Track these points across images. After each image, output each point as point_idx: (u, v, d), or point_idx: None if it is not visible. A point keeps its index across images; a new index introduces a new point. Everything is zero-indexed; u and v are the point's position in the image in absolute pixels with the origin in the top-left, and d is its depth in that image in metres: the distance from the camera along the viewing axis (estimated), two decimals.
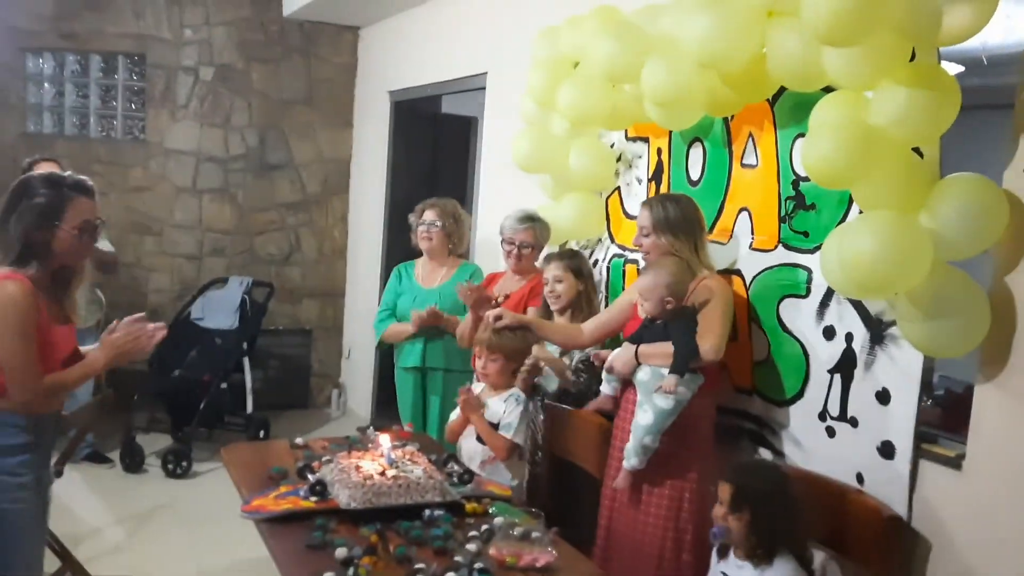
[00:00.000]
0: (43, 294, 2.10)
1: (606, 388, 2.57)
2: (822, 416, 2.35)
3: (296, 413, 5.65)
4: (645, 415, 2.40)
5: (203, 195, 5.61)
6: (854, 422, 2.26)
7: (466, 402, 2.75)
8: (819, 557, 2.28)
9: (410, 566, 1.90)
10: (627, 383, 2.53)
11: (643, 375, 2.42)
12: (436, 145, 5.34)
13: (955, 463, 2.02)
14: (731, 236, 2.70)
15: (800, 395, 2.43)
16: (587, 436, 2.76)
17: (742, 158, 2.67)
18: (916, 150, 2.01)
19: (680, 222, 2.50)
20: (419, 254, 3.72)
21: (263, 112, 5.67)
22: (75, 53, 5.46)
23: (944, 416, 2.21)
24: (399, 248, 4.00)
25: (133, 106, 5.58)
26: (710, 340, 2.34)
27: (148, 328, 2.26)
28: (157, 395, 4.81)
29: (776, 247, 2.52)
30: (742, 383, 2.64)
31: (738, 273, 2.65)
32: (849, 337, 2.28)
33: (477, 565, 1.93)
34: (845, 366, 2.29)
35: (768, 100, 2.51)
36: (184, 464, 4.38)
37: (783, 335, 2.49)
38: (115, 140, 5.54)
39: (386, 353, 4.16)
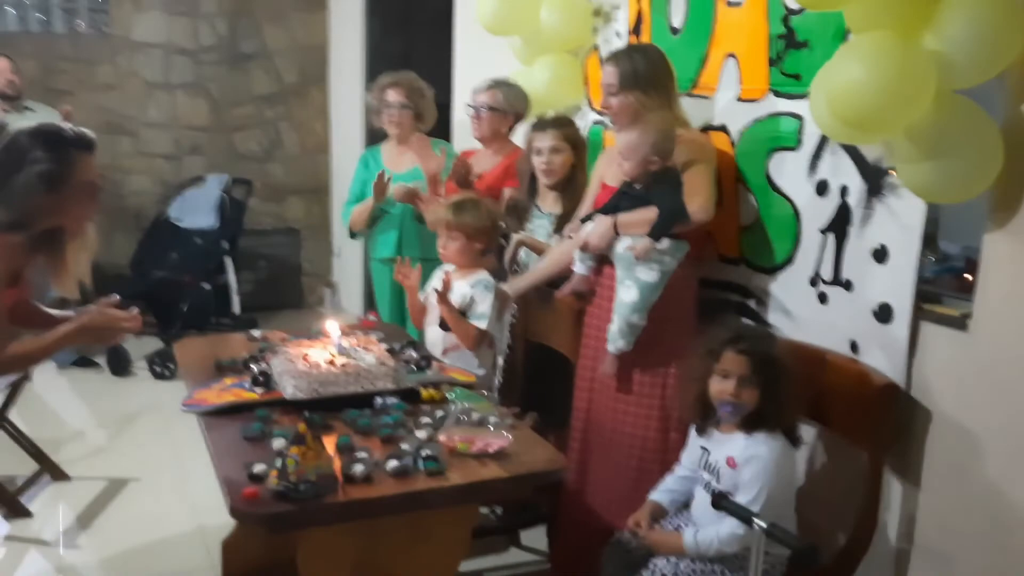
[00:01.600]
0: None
1: (579, 267, 2.33)
2: (813, 281, 2.13)
3: (289, 313, 5.52)
4: (629, 291, 2.19)
5: (176, 91, 5.32)
6: (848, 285, 2.03)
7: (441, 292, 2.54)
8: (810, 432, 2.12)
9: (350, 456, 1.74)
10: (601, 260, 2.31)
11: (622, 248, 2.19)
12: (410, 23, 4.96)
13: (960, 323, 1.80)
14: (717, 88, 2.41)
15: (790, 260, 2.20)
16: (561, 318, 2.57)
17: None
18: None
19: (650, 76, 2.23)
20: (385, 135, 3.45)
21: None
22: None
23: (941, 282, 1.97)
24: (381, 139, 3.76)
25: None
26: (698, 200, 2.10)
27: (123, 316, 2.09)
28: (138, 297, 4.66)
29: (765, 95, 2.24)
30: (728, 251, 2.41)
31: (723, 129, 2.37)
32: (844, 191, 2.02)
33: (424, 452, 1.76)
34: (839, 224, 2.05)
35: None
36: (171, 366, 4.28)
37: (772, 195, 2.24)
38: (80, 35, 5.22)
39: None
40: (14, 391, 3.10)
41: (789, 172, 2.17)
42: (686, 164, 2.17)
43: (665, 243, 2.14)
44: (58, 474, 3.18)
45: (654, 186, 2.17)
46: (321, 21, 5.52)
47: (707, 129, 2.41)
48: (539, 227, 2.75)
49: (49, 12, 5.21)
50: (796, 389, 1.84)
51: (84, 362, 4.43)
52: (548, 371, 2.67)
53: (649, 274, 2.16)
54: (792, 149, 2.15)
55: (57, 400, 4.01)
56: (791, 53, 2.13)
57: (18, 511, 2.89)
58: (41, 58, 5.05)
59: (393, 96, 3.29)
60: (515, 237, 2.71)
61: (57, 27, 5.21)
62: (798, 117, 2.13)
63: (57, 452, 3.29)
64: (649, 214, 2.14)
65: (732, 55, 2.34)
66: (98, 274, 5.36)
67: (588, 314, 2.39)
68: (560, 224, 2.67)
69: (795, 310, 2.19)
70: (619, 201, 2.26)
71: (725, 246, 2.41)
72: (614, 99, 2.28)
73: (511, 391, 2.73)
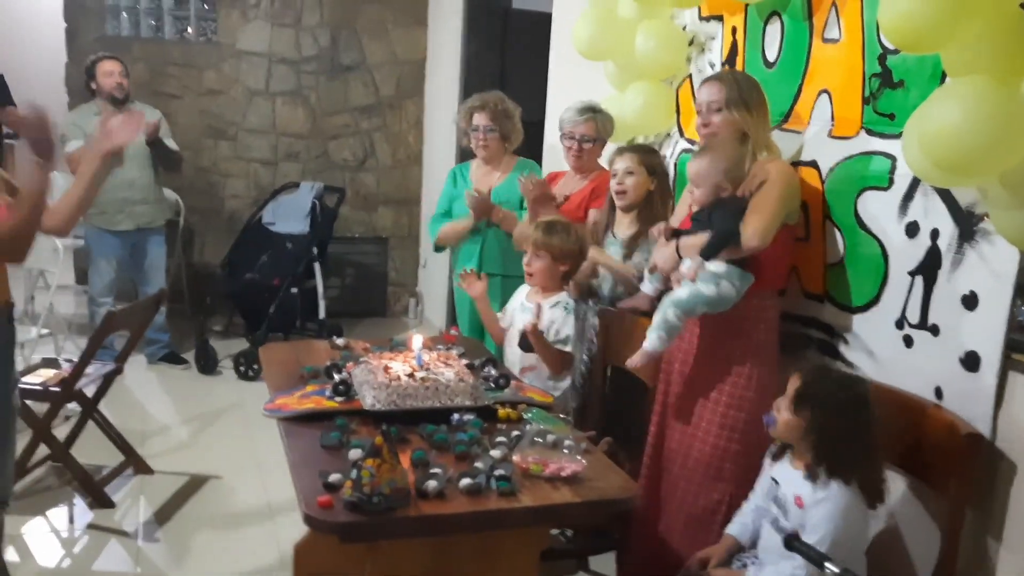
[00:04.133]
0: None
1: (646, 287, 2.35)
2: (899, 324, 2.07)
3: (373, 321, 5.67)
4: (680, 289, 2.18)
5: (276, 98, 5.56)
6: (935, 330, 1.98)
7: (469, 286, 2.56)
8: (891, 478, 2.06)
9: (424, 471, 1.79)
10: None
11: (685, 267, 2.19)
12: (508, 44, 5.05)
13: None
14: (808, 123, 2.38)
15: (876, 300, 2.15)
16: (640, 343, 2.57)
17: (824, 32, 2.32)
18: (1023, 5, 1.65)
19: (756, 97, 2.22)
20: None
21: (335, 10, 5.51)
22: None
23: None
24: (473, 154, 3.86)
25: (206, 6, 5.52)
26: (754, 223, 2.07)
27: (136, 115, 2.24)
28: (228, 298, 4.89)
29: (858, 133, 2.20)
30: (813, 288, 2.37)
31: (813, 165, 2.34)
32: (935, 234, 1.97)
33: (497, 471, 1.80)
34: (928, 267, 1.99)
35: None
36: (255, 367, 4.45)
37: (861, 233, 2.19)
38: (189, 42, 5.52)
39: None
40: (107, 383, 3.24)
41: (879, 212, 2.13)
42: (760, 185, 2.16)
43: (721, 266, 2.13)
44: (142, 467, 3.31)
45: (716, 211, 2.17)
46: (421, 37, 5.67)
47: (797, 164, 2.38)
48: (610, 252, 2.76)
49: (161, 18, 5.52)
50: (868, 443, 1.78)
51: (173, 358, 4.63)
52: (626, 396, 2.67)
53: (705, 286, 2.14)
54: (883, 189, 2.11)
55: (145, 394, 4.20)
56: (886, 92, 2.10)
57: (102, 501, 3.01)
58: (151, 62, 5.36)
59: (479, 119, 3.36)
60: (590, 253, 2.73)
61: (167, 33, 5.52)
62: (890, 157, 2.09)
63: (142, 445, 3.43)
64: (705, 237, 2.14)
65: (826, 91, 2.31)
66: (191, 273, 5.69)
67: (674, 344, 2.39)
68: (630, 247, 2.67)
69: (879, 352, 2.14)
70: (693, 228, 2.26)
71: (810, 282, 2.38)
72: (716, 116, 2.27)
73: (588, 414, 2.75)
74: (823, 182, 2.31)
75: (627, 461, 2.47)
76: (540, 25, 4.20)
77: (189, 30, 5.54)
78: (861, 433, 1.77)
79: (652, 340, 2.20)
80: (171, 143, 4.43)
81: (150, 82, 5.29)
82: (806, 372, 1.85)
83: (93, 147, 2.21)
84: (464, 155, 4.88)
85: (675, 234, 2.26)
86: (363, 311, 5.72)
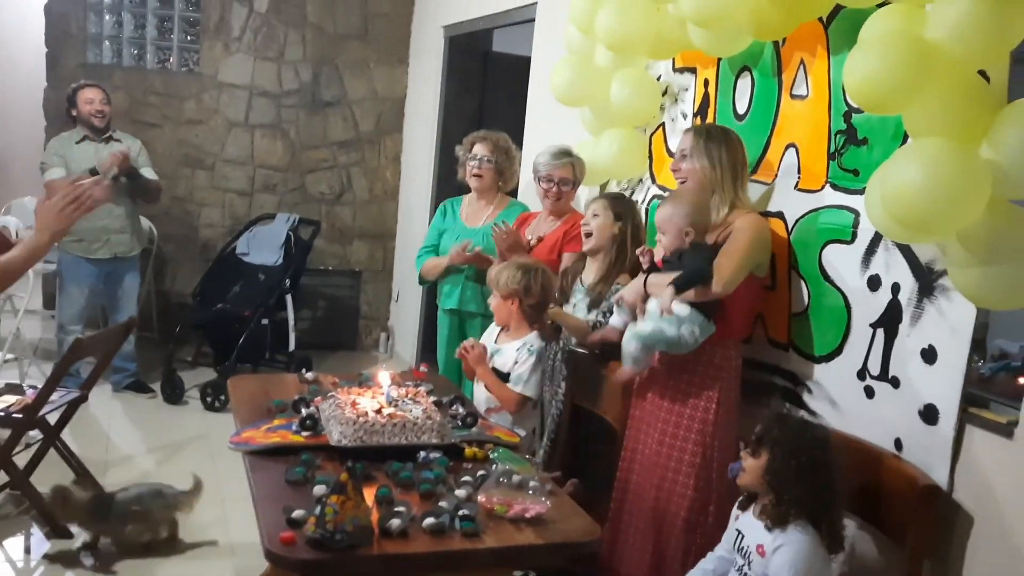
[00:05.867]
0: None
1: (616, 320, 2.39)
2: (861, 375, 2.12)
3: (344, 354, 5.64)
4: (644, 323, 2.23)
5: (255, 130, 5.58)
6: (895, 382, 2.02)
7: (474, 357, 2.60)
8: (850, 526, 2.09)
9: (388, 508, 1.79)
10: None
11: (652, 306, 2.23)
12: (487, 85, 5.13)
13: (1006, 430, 1.77)
14: (776, 175, 2.45)
15: (839, 351, 2.20)
16: (610, 387, 2.60)
17: (792, 88, 2.40)
18: (982, 73, 1.73)
19: (723, 150, 2.29)
20: (467, 190, 3.55)
21: (318, 47, 5.57)
22: None
23: (997, 381, 1.95)
24: (449, 190, 3.89)
25: (189, 38, 5.55)
26: (723, 272, 2.13)
27: (85, 185, 2.08)
28: (198, 327, 4.85)
29: (823, 187, 2.27)
30: (777, 336, 2.41)
31: (780, 216, 2.41)
32: (895, 288, 2.03)
33: (461, 511, 1.80)
34: (889, 320, 2.05)
35: (821, 20, 2.24)
36: (222, 398, 4.40)
37: (824, 285, 2.25)
38: (171, 72, 5.53)
39: (432, 295, 4.05)
40: (70, 410, 3.19)
41: (842, 264, 2.19)
42: (734, 232, 2.21)
43: (685, 310, 2.17)
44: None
45: (686, 254, 2.22)
46: (402, 75, 5.74)
47: (764, 214, 2.44)
48: (576, 298, 2.77)
49: (143, 48, 5.53)
50: (825, 485, 1.81)
51: (139, 387, 4.56)
52: (593, 438, 2.69)
53: (668, 326, 2.18)
54: (847, 242, 2.17)
55: (109, 423, 4.13)
56: (851, 149, 2.17)
57: (60, 531, 2.93)
58: (131, 91, 5.36)
59: (480, 149, 3.40)
60: (549, 310, 2.73)
61: (149, 63, 5.53)
62: (854, 211, 2.15)
63: (104, 475, 3.35)
64: (673, 275, 2.19)
65: (793, 145, 2.38)
66: (162, 300, 5.63)
67: (638, 388, 2.43)
68: (594, 293, 2.70)
69: (841, 402, 2.19)
70: (663, 268, 2.30)
71: (775, 330, 2.42)
72: (684, 163, 2.36)
73: (555, 455, 2.75)
74: (789, 233, 2.37)
75: (594, 504, 2.48)
76: (518, 68, 4.29)
77: (172, 60, 5.57)
78: (819, 475, 1.79)
79: (626, 370, 2.26)
80: (150, 173, 4.42)
81: (130, 110, 5.29)
82: (766, 416, 1.89)
83: (40, 215, 2.08)
84: (442, 189, 4.94)
85: (650, 267, 2.30)
86: (334, 344, 5.69)
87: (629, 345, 2.23)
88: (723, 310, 2.21)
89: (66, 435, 3.23)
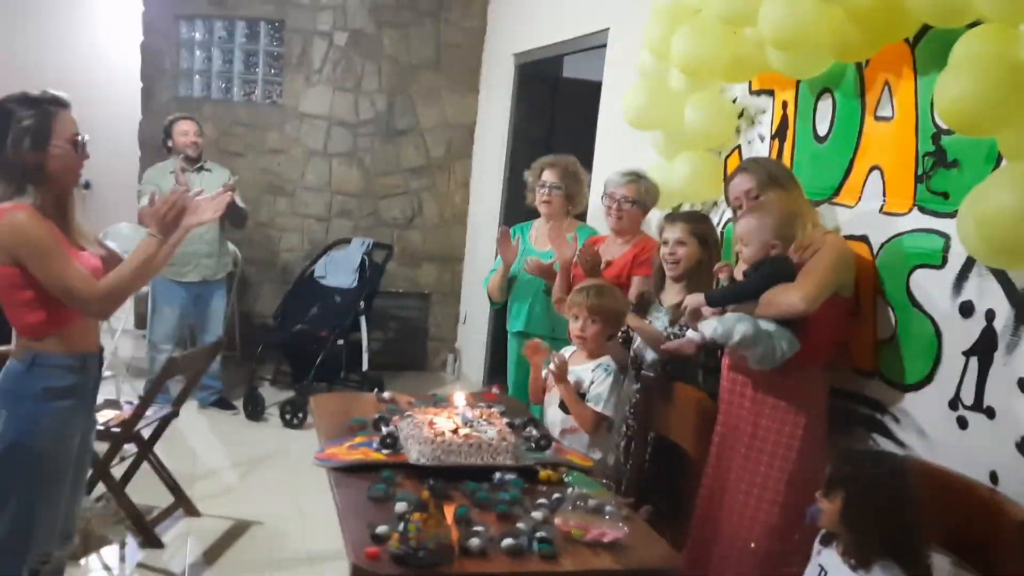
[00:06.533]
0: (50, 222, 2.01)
1: (692, 333, 2.35)
2: (953, 404, 2.05)
3: (412, 375, 5.72)
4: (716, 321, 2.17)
5: (333, 158, 5.75)
6: (990, 412, 1.95)
7: (558, 375, 2.60)
8: (942, 563, 2.01)
9: (467, 528, 1.80)
10: (737, 368, 2.32)
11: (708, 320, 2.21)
12: (556, 110, 5.18)
13: None
14: (859, 198, 2.40)
15: (929, 380, 2.13)
16: (685, 413, 2.57)
17: (876, 110, 2.36)
18: None
19: (786, 175, 2.27)
20: (536, 213, 3.59)
21: (392, 77, 5.72)
22: (223, 19, 5.70)
23: None
24: (517, 214, 3.94)
25: (272, 71, 5.78)
26: (804, 287, 2.07)
27: (188, 195, 2.11)
28: (278, 347, 5.00)
29: (910, 210, 2.21)
30: (862, 364, 2.35)
31: (864, 239, 2.35)
32: (990, 315, 1.96)
33: (538, 533, 1.80)
34: (983, 348, 1.97)
35: (908, 41, 2.20)
36: (300, 415, 4.51)
37: (913, 311, 2.18)
38: (255, 104, 5.76)
39: (500, 318, 4.09)
40: (162, 426, 3.32)
41: (932, 290, 2.12)
42: (814, 250, 2.17)
43: (772, 325, 2.13)
44: (190, 509, 3.37)
45: (763, 266, 2.17)
46: (472, 102, 5.85)
47: (847, 238, 2.39)
48: (656, 320, 2.76)
49: (231, 81, 5.79)
50: (908, 523, 1.72)
51: (223, 404, 4.73)
52: (668, 465, 2.65)
53: (740, 325, 2.12)
54: (936, 267, 2.11)
55: (195, 438, 4.29)
56: (939, 171, 2.11)
57: (152, 541, 3.08)
58: (219, 122, 5.60)
59: (548, 175, 3.42)
60: (628, 319, 2.73)
61: (236, 96, 5.78)
62: (944, 235, 2.09)
63: (191, 488, 3.48)
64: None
65: (877, 167, 2.34)
66: (245, 321, 5.82)
67: (720, 412, 2.40)
68: (676, 316, 2.68)
69: (931, 432, 2.11)
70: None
71: (860, 358, 2.36)
72: (755, 203, 2.32)
73: (629, 481, 2.73)
74: (874, 257, 2.31)
75: (667, 531, 2.45)
76: (588, 93, 4.31)
77: (256, 93, 5.80)
78: (899, 512, 1.71)
79: (706, 326, 2.17)
80: (239, 201, 4.61)
81: (217, 141, 5.52)
82: (835, 455, 1.82)
83: (147, 221, 2.12)
84: (511, 213, 4.99)
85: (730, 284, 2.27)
86: (403, 364, 5.78)
87: (732, 324, 2.15)
88: (806, 332, 2.17)
89: (157, 449, 3.37)
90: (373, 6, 5.62)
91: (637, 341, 2.80)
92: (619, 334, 2.74)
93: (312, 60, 5.64)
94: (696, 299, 2.21)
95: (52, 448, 2.03)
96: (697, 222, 2.75)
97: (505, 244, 3.34)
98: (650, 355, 2.73)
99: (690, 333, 2.37)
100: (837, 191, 2.48)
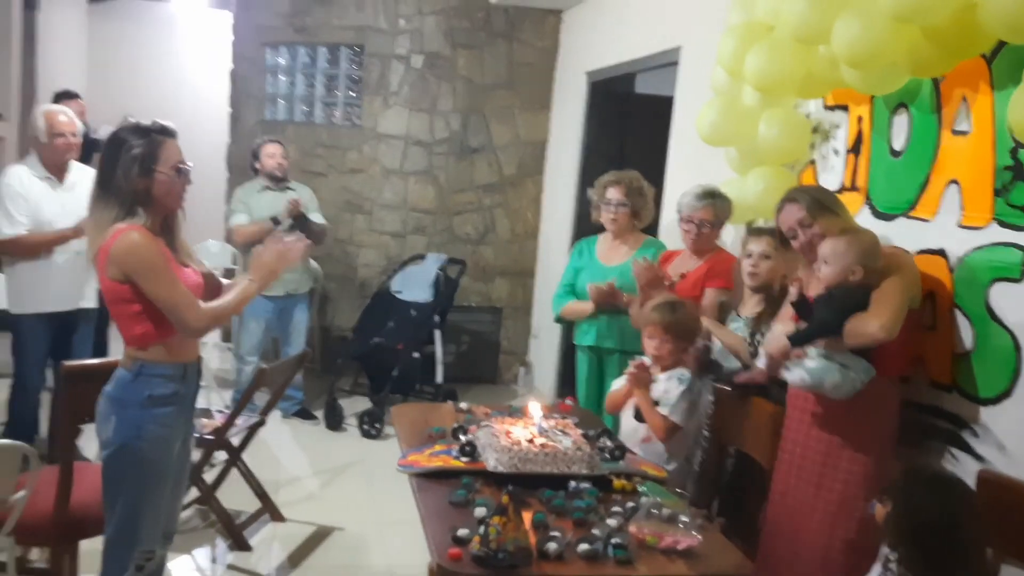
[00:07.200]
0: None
1: (762, 361, 2.38)
2: None
3: (484, 387, 5.83)
4: (810, 361, 2.20)
5: (409, 177, 5.92)
6: None
7: (637, 377, 2.66)
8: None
9: (545, 533, 1.87)
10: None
11: (813, 352, 2.22)
12: (627, 126, 5.24)
13: None
14: (936, 212, 2.40)
15: (1008, 393, 2.11)
16: (756, 424, 2.59)
17: (953, 124, 2.35)
18: None
19: (832, 199, 2.31)
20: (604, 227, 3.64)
21: (467, 97, 5.88)
22: (306, 46, 5.97)
23: None
24: (589, 228, 4.01)
25: (352, 94, 6.00)
26: (882, 316, 2.08)
27: (288, 242, 2.33)
28: (356, 360, 5.17)
29: (989, 224, 2.20)
30: (940, 377, 2.33)
31: (941, 253, 2.34)
32: None
33: (614, 540, 1.86)
34: None
35: (984, 57, 2.20)
36: (377, 426, 4.66)
37: (992, 324, 2.17)
38: (336, 126, 6.00)
39: (569, 332, 4.15)
40: (250, 434, 3.48)
41: (1012, 303, 2.11)
42: (882, 275, 2.18)
43: (848, 357, 2.15)
44: (276, 515, 3.53)
45: (830, 296, 2.18)
46: (544, 120, 5.95)
47: (923, 252, 2.39)
48: (735, 330, 2.79)
49: (312, 104, 6.04)
50: (963, 549, 1.70)
51: (305, 414, 4.92)
52: (739, 476, 2.67)
53: (828, 377, 2.16)
54: (1016, 280, 2.09)
55: (279, 446, 4.47)
56: (1018, 185, 2.10)
57: (241, 544, 3.24)
58: (301, 143, 5.85)
59: (613, 194, 3.47)
60: (705, 322, 2.77)
61: (318, 118, 6.03)
62: (1023, 249, 2.08)
63: (276, 494, 3.64)
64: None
65: (955, 181, 2.33)
66: (325, 335, 6.02)
67: (785, 427, 2.41)
68: (755, 326, 2.71)
69: (1012, 446, 2.09)
70: (812, 309, 2.28)
71: (938, 372, 2.34)
72: (808, 231, 2.36)
73: (701, 492, 2.75)
74: (951, 271, 2.30)
75: (739, 542, 2.47)
76: (659, 108, 4.35)
77: (336, 115, 6.04)
78: (942, 539, 1.69)
79: (793, 376, 2.22)
80: (319, 218, 4.81)
81: (300, 161, 5.77)
82: (902, 465, 1.83)
83: (254, 268, 2.34)
84: (581, 228, 5.06)
85: (800, 301, 2.29)
86: (475, 377, 5.89)
87: (797, 374, 2.22)
88: (877, 346, 2.17)
89: (244, 456, 3.51)
90: (448, 29, 5.80)
91: (716, 349, 2.83)
92: (698, 344, 2.77)
93: (390, 82, 5.84)
94: (779, 344, 2.23)
95: (155, 452, 2.17)
96: (784, 238, 2.77)
97: (609, 296, 3.31)
98: (731, 362, 2.76)
99: (759, 361, 2.40)
100: (913, 205, 2.47)
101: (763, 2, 2.91)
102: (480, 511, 1.94)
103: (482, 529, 1.77)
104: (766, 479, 2.51)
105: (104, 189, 2.13)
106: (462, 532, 1.82)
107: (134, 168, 2.11)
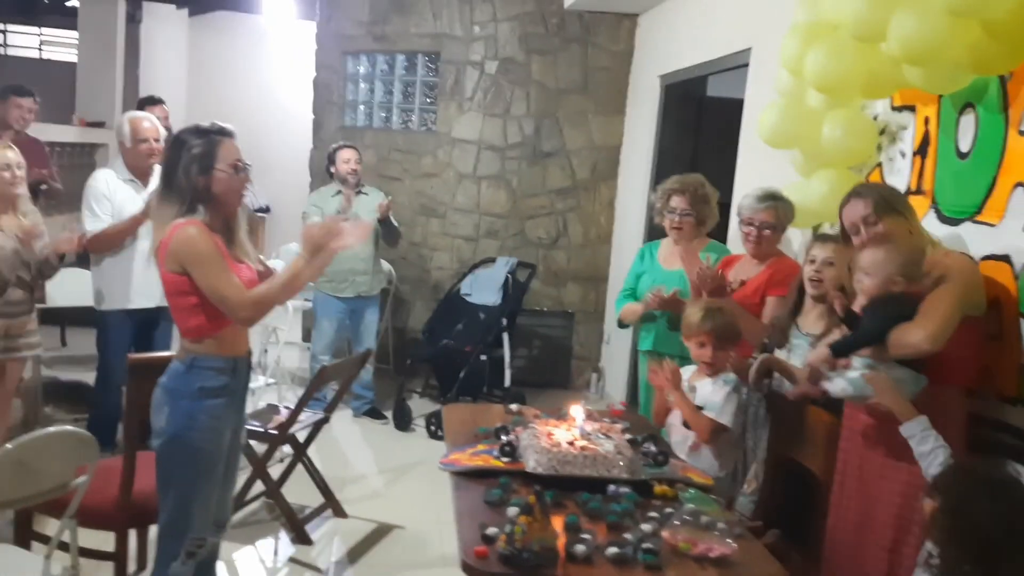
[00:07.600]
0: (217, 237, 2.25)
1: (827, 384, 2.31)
2: None
3: (556, 393, 5.81)
4: (852, 375, 2.14)
5: (482, 181, 6.00)
6: None
7: (662, 379, 2.63)
8: None
9: (575, 535, 1.88)
10: None
11: (857, 363, 2.15)
12: (700, 129, 5.16)
13: None
14: (1003, 216, 2.28)
15: None
16: (813, 436, 2.52)
17: (1020, 125, 2.24)
18: None
19: (900, 200, 2.21)
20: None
21: (540, 102, 5.91)
22: (384, 54, 6.14)
23: None
24: (660, 233, 3.97)
25: (428, 100, 6.13)
26: (928, 326, 1.99)
27: (345, 224, 2.28)
28: (426, 361, 5.27)
29: None
30: (1006, 390, 2.22)
31: (1006, 259, 2.23)
32: None
33: (644, 545, 1.85)
34: None
35: None
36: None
37: None
38: (412, 131, 6.14)
39: (637, 337, 4.11)
40: (315, 430, 3.59)
41: None
42: (936, 281, 2.08)
43: (896, 370, 2.07)
44: (339, 511, 3.63)
45: (877, 304, 2.10)
46: (618, 124, 5.93)
47: (989, 258, 2.28)
48: (797, 347, 2.70)
49: (390, 111, 6.20)
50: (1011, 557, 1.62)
51: (374, 413, 5.04)
52: (796, 489, 2.60)
53: (870, 388, 2.10)
54: None
55: (347, 444, 4.61)
56: None
57: (303, 538, 3.35)
58: (379, 149, 6.02)
59: (677, 202, 3.42)
60: (760, 357, 2.68)
61: (395, 124, 6.18)
62: None
63: (340, 490, 3.74)
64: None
65: (1021, 184, 2.21)
66: (398, 336, 6.16)
67: (842, 438, 2.34)
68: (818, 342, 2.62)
69: None
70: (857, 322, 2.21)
71: (1003, 384, 2.23)
72: (873, 229, 2.26)
73: (759, 504, 2.70)
74: (1016, 278, 2.18)
75: (797, 555, 2.40)
76: (732, 111, 4.28)
77: (413, 120, 6.18)
78: (986, 545, 1.62)
79: (834, 387, 2.18)
80: (394, 220, 4.95)
81: (376, 166, 5.93)
82: (957, 465, 1.77)
83: (304, 243, 2.25)
84: (653, 233, 5.00)
85: (846, 313, 2.22)
86: (547, 382, 5.89)
87: (840, 385, 2.17)
88: (936, 356, 2.08)
89: (312, 453, 3.64)
90: (523, 35, 5.85)
91: (776, 376, 2.75)
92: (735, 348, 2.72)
93: (464, 88, 5.93)
94: (821, 355, 2.17)
95: (206, 441, 2.26)
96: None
97: (672, 304, 3.24)
98: (788, 385, 2.68)
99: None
100: (979, 209, 2.36)
101: (829, 1, 2.83)
102: (512, 511, 1.96)
103: (508, 528, 1.79)
104: (820, 491, 2.43)
105: (167, 187, 2.25)
106: (491, 531, 1.85)
107: (194, 166, 2.21)
